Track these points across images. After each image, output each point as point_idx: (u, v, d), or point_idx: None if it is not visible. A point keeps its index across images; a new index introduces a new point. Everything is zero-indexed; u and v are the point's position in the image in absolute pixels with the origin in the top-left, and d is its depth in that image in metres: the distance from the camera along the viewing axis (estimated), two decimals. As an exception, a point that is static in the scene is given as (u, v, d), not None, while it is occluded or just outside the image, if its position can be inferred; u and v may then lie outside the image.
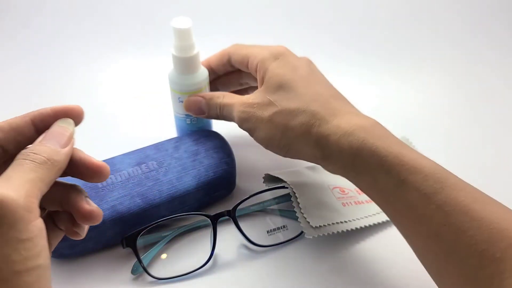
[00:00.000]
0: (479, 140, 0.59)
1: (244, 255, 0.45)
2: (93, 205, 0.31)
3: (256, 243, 0.44)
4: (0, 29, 0.77)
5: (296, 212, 0.44)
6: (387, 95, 0.66)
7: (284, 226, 0.47)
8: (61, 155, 0.28)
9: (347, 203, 0.47)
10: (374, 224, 0.46)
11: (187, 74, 0.47)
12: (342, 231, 0.44)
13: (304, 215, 0.43)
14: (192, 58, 0.47)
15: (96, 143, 0.57)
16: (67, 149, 0.29)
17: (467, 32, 0.75)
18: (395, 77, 0.69)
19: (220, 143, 0.49)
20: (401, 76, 0.69)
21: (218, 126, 0.53)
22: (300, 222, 0.43)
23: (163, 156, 0.47)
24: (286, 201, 0.47)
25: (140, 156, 0.47)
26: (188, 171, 0.46)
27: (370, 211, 0.47)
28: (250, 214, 0.48)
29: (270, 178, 0.47)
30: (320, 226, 0.43)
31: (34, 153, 0.27)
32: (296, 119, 0.39)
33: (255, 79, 0.46)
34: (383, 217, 0.47)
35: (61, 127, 0.30)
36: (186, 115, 0.50)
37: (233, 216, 0.44)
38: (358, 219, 0.46)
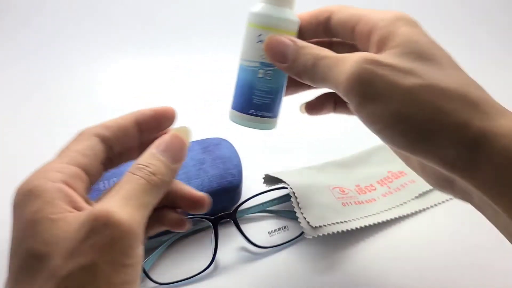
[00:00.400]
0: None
1: (246, 257, 0.44)
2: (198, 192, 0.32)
3: (257, 244, 0.44)
4: (0, 29, 0.77)
5: (296, 212, 0.43)
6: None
7: (285, 227, 0.47)
8: (172, 173, 0.28)
9: (347, 203, 0.46)
10: (374, 224, 0.46)
11: (280, 5, 0.35)
12: (342, 231, 0.43)
13: (304, 215, 0.43)
14: None
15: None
16: (178, 166, 0.29)
17: (469, 31, 0.76)
18: None
19: (229, 153, 0.48)
20: None
21: (226, 130, 0.53)
22: (300, 222, 0.43)
23: (168, 162, 0.46)
24: (286, 202, 0.47)
25: (146, 160, 0.46)
26: (191, 180, 0.45)
27: (370, 211, 0.47)
28: (251, 215, 0.47)
29: (270, 179, 0.47)
30: (320, 226, 0.43)
31: (150, 172, 0.27)
32: (451, 103, 0.28)
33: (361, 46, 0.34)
34: (383, 217, 0.47)
35: (178, 139, 0.30)
36: (260, 63, 0.36)
37: (234, 218, 0.43)
38: (358, 219, 0.45)
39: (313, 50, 0.33)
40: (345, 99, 0.31)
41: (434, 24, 0.77)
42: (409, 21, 0.32)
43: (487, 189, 0.28)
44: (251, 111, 0.37)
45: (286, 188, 0.45)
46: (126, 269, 0.24)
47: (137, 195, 0.26)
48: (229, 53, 0.73)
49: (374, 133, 0.31)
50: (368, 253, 0.44)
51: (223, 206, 0.46)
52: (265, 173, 0.48)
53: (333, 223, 0.44)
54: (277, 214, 0.48)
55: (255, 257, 0.44)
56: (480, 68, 0.71)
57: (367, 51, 0.32)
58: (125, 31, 0.77)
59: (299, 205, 0.44)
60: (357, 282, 0.42)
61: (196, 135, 0.50)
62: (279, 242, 0.45)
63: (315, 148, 0.56)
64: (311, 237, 0.42)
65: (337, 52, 0.33)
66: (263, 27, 0.35)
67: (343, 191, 0.48)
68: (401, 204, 0.48)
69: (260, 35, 0.35)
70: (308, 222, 0.43)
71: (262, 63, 0.35)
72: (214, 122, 0.60)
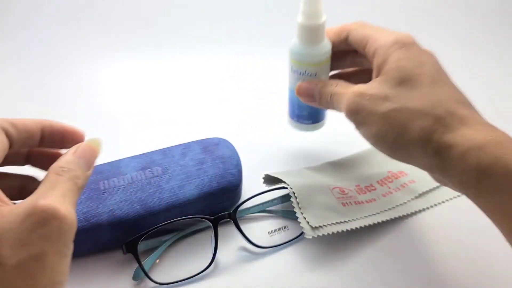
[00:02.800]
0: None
1: (246, 257, 0.44)
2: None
3: (257, 244, 0.44)
4: (0, 29, 0.77)
5: (295, 212, 0.44)
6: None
7: (285, 227, 0.47)
8: (86, 179, 0.31)
9: (347, 203, 0.46)
10: (374, 224, 0.46)
11: (310, 44, 0.44)
12: (342, 231, 0.43)
13: (304, 215, 0.43)
14: (319, 27, 0.44)
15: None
16: (90, 173, 0.31)
17: (471, 32, 0.76)
18: None
19: (229, 153, 0.48)
20: None
21: (226, 130, 0.53)
22: (299, 222, 0.43)
23: (168, 162, 0.46)
24: (286, 201, 0.47)
25: (146, 160, 0.46)
26: (191, 180, 0.45)
27: (370, 211, 0.46)
28: (251, 215, 0.47)
29: (269, 179, 0.47)
30: (319, 226, 0.43)
31: (75, 176, 0.30)
32: (416, 122, 0.35)
33: (370, 64, 0.41)
34: (383, 217, 0.46)
35: (91, 148, 0.32)
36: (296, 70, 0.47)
37: (234, 218, 0.43)
38: (358, 219, 0.45)
39: (330, 87, 0.42)
40: None
41: (434, 24, 0.77)
42: (405, 44, 0.38)
43: (456, 187, 0.34)
44: (295, 118, 0.51)
45: (286, 188, 0.45)
46: (66, 259, 0.27)
47: (70, 195, 0.28)
48: (229, 54, 0.74)
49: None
50: (368, 253, 0.44)
51: (223, 206, 0.46)
52: (265, 173, 0.48)
53: (333, 223, 0.44)
54: (277, 214, 0.48)
55: (255, 257, 0.44)
56: (479, 66, 0.71)
57: (375, 71, 0.40)
58: (125, 31, 0.77)
59: (299, 205, 0.44)
60: (357, 282, 0.42)
61: (196, 135, 0.51)
62: (279, 242, 0.45)
63: (315, 147, 0.56)
64: (310, 237, 0.42)
65: (361, 77, 0.44)
66: (294, 61, 0.46)
67: (343, 191, 0.48)
68: (401, 204, 0.48)
69: (292, 66, 0.46)
70: (308, 222, 0.43)
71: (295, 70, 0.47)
72: (214, 122, 0.61)
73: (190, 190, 0.44)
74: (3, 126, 0.30)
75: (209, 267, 0.42)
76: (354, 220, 0.45)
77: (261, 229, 0.46)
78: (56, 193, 0.27)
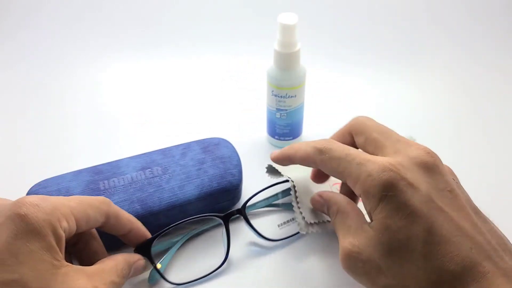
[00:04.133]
0: (483, 141, 0.59)
1: (257, 251, 0.44)
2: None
3: (268, 238, 0.44)
4: (0, 29, 0.77)
5: (293, 206, 0.44)
6: (391, 95, 0.67)
7: (293, 219, 0.47)
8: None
9: None
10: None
11: (287, 69, 0.49)
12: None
13: (300, 209, 0.44)
14: (294, 54, 0.48)
15: (100, 143, 0.57)
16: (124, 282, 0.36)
17: (472, 32, 0.76)
18: (399, 77, 0.69)
19: (229, 153, 0.48)
20: (405, 76, 0.70)
21: (226, 130, 0.53)
22: (296, 217, 0.44)
23: (168, 162, 0.46)
24: (289, 195, 0.47)
25: (146, 160, 0.46)
26: (191, 180, 0.45)
27: None
28: (258, 210, 0.48)
29: (272, 170, 0.48)
30: (315, 222, 0.43)
31: (121, 283, 0.35)
32: None
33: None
34: None
35: (141, 265, 0.39)
36: (277, 108, 0.52)
37: (244, 214, 0.43)
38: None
39: (332, 211, 0.38)
40: None
41: (437, 24, 0.77)
42: (384, 188, 0.31)
43: None
44: (276, 136, 0.55)
45: (288, 181, 0.45)
46: None
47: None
48: (229, 54, 0.74)
49: None
50: None
51: (223, 206, 0.46)
52: (268, 164, 0.47)
53: (329, 221, 0.44)
54: (284, 207, 0.48)
55: (266, 250, 0.44)
56: (479, 71, 0.71)
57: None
58: (125, 32, 0.77)
59: (297, 199, 0.44)
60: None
61: (196, 135, 0.51)
62: (289, 234, 0.45)
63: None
64: (305, 233, 0.43)
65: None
66: (273, 86, 0.51)
67: None
68: None
69: (272, 90, 0.51)
70: (304, 218, 0.43)
71: (278, 109, 0.52)
72: (214, 122, 0.61)
73: (190, 190, 0.44)
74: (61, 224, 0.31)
75: (224, 263, 0.42)
76: None
77: (270, 223, 0.47)
78: (104, 280, 0.32)
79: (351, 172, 0.33)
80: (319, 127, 0.58)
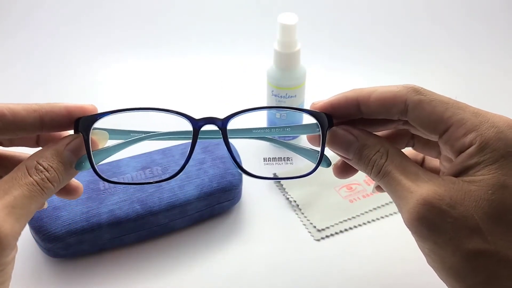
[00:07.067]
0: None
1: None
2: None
3: (246, 170, 0.32)
4: (1, 29, 0.77)
5: (300, 219, 0.46)
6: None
7: (288, 158, 0.48)
8: (70, 177, 0.28)
9: (354, 199, 0.49)
10: (382, 218, 0.47)
11: (287, 69, 0.49)
12: (350, 228, 0.46)
13: (309, 219, 0.46)
14: (294, 54, 0.48)
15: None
16: (78, 171, 0.28)
17: (473, 32, 0.76)
18: (400, 77, 0.69)
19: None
20: (405, 76, 0.70)
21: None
22: (306, 228, 0.46)
23: (168, 162, 0.46)
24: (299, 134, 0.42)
25: (146, 160, 0.46)
26: (191, 180, 0.45)
27: (379, 202, 0.48)
28: (248, 137, 0.36)
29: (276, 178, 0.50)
30: (326, 227, 0.46)
31: (47, 179, 0.26)
32: (505, 270, 0.26)
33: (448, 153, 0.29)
34: (389, 210, 0.48)
35: (93, 142, 0.29)
36: (276, 109, 0.52)
37: (223, 129, 0.31)
38: (367, 212, 0.47)
39: (378, 160, 0.29)
40: None
41: (436, 23, 0.77)
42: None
43: None
44: (276, 137, 0.44)
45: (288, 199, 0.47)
46: None
47: (24, 204, 0.25)
48: (229, 54, 0.74)
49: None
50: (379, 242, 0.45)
51: (223, 206, 0.46)
52: (273, 172, 0.49)
53: (340, 222, 0.46)
54: (282, 144, 0.42)
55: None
56: (479, 69, 0.71)
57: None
58: (125, 31, 0.77)
59: (301, 211, 0.47)
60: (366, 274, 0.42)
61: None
62: (276, 176, 0.43)
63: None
64: (319, 239, 0.45)
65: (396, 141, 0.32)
66: (273, 85, 0.50)
67: (351, 188, 0.50)
68: None
69: (272, 90, 0.51)
70: (315, 226, 0.46)
71: (277, 109, 0.52)
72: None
73: (190, 190, 0.44)
74: None
75: (177, 175, 0.33)
76: (363, 214, 0.47)
77: (253, 155, 0.44)
78: (3, 202, 0.24)
79: (464, 118, 0.27)
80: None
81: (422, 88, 0.29)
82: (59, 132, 0.30)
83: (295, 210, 0.47)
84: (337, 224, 0.46)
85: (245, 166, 0.33)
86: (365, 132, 0.30)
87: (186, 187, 0.44)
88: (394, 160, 0.28)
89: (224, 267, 0.43)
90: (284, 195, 0.49)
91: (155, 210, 0.43)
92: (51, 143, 0.27)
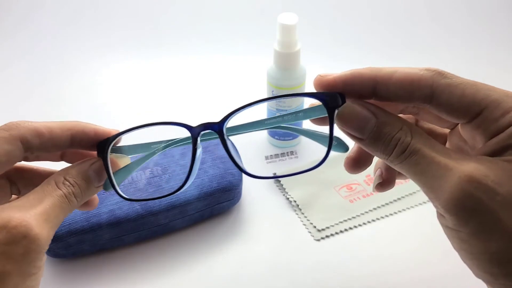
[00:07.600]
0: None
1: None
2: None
3: (248, 172, 0.30)
4: (0, 29, 0.77)
5: (300, 218, 0.46)
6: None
7: (291, 153, 0.47)
8: (92, 194, 0.29)
9: (354, 199, 0.49)
10: (382, 218, 0.47)
11: (287, 69, 0.49)
12: (350, 227, 0.46)
13: (309, 220, 0.46)
14: (294, 54, 0.48)
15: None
16: (100, 189, 0.30)
17: (473, 31, 0.76)
18: None
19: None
20: None
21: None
22: (306, 228, 0.46)
23: (168, 162, 0.46)
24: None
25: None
26: (191, 180, 0.45)
27: (379, 202, 0.48)
28: (244, 133, 0.33)
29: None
30: (326, 227, 0.46)
31: (73, 194, 0.28)
32: None
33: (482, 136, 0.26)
34: (393, 208, 0.48)
35: (114, 164, 0.31)
36: (276, 109, 0.51)
37: (220, 132, 0.30)
38: (367, 212, 0.47)
39: (403, 136, 0.25)
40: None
41: (435, 22, 0.77)
42: None
43: None
44: (276, 137, 0.54)
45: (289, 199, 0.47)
46: (32, 278, 0.25)
47: (56, 214, 0.26)
48: (229, 54, 0.74)
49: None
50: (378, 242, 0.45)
51: (223, 206, 0.46)
52: (273, 172, 0.49)
53: (340, 222, 0.46)
54: (300, 133, 0.41)
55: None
56: (480, 69, 0.71)
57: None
58: (125, 31, 0.77)
59: (301, 211, 0.47)
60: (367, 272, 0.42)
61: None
62: (276, 174, 0.43)
63: (317, 146, 0.56)
64: (319, 238, 0.45)
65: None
66: (273, 85, 0.50)
67: (351, 188, 0.50)
68: (412, 194, 0.49)
69: (272, 90, 0.51)
70: (315, 226, 0.46)
71: (278, 109, 0.51)
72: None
73: (190, 190, 0.44)
74: (23, 135, 0.28)
75: (182, 188, 0.33)
76: (363, 214, 0.47)
77: (255, 153, 0.43)
78: (39, 209, 0.25)
79: (498, 99, 0.26)
80: (319, 127, 0.58)
81: (445, 71, 0.26)
82: (81, 151, 0.33)
83: (295, 210, 0.47)
84: (337, 224, 0.46)
85: (247, 165, 0.31)
86: (383, 109, 0.27)
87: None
88: (421, 138, 0.25)
89: (224, 267, 0.43)
90: (284, 195, 0.49)
91: (155, 210, 0.43)
92: (77, 163, 0.30)
